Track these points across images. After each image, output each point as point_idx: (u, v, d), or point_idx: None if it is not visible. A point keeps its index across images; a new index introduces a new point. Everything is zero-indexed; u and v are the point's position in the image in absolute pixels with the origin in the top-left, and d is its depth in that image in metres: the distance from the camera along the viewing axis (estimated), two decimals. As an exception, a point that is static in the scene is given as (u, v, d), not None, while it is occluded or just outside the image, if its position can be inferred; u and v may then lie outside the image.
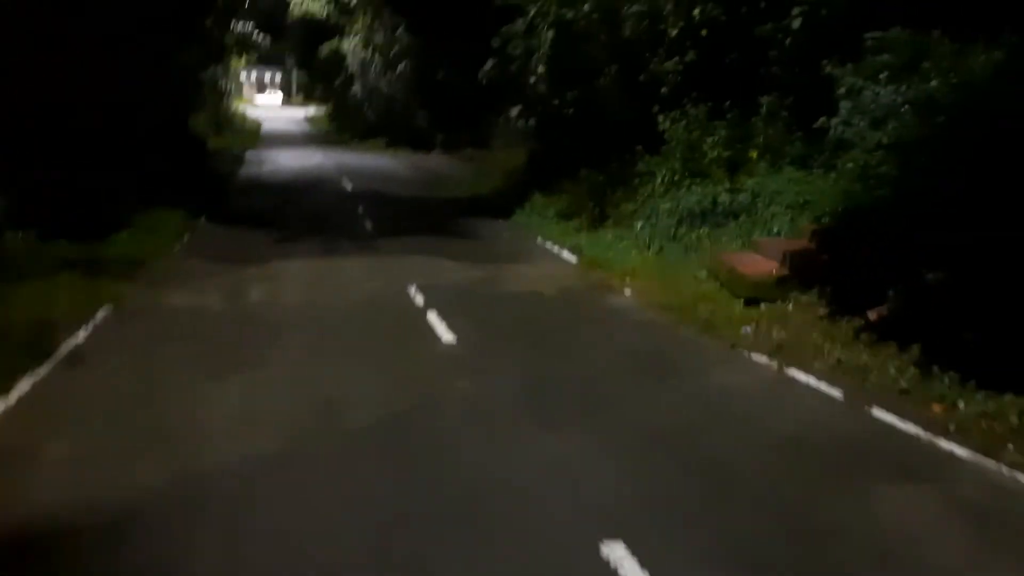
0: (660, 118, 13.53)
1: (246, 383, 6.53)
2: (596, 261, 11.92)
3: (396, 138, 35.40)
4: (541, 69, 14.04)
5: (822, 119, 12.28)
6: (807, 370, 7.01)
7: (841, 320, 7.93)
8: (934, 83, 10.97)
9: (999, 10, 10.76)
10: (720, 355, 7.65)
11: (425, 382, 6.74)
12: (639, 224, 12.96)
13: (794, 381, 6.85)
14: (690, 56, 13.18)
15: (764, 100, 12.87)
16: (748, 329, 8.23)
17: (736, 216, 11.52)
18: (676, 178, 13.10)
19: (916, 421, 5.88)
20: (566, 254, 12.93)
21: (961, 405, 6.03)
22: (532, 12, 13.77)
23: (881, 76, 11.80)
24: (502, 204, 17.50)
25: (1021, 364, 6.45)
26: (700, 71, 13.42)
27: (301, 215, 16.50)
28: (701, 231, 11.64)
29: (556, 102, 14.64)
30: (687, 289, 9.92)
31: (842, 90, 12.38)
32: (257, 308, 9.39)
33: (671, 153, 13.39)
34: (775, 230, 10.54)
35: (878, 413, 6.08)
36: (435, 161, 29.96)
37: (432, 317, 8.58)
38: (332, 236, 13.80)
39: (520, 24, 13.94)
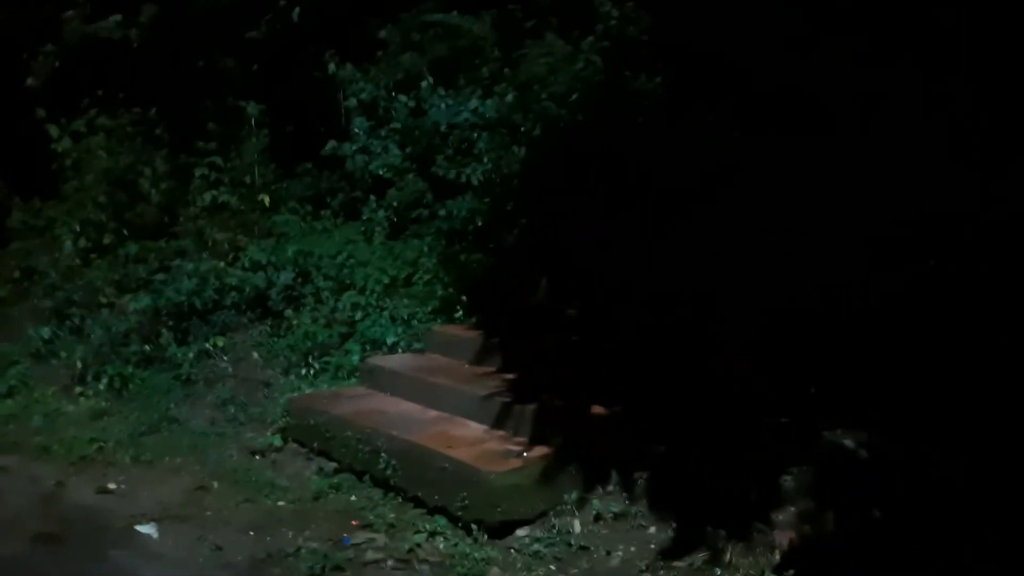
0: (54, 130, 7.33)
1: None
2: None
3: None
4: None
5: (331, 144, 8.01)
6: None
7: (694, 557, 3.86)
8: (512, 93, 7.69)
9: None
10: None
11: None
12: (33, 331, 6.72)
13: None
14: (148, 13, 7.26)
15: (248, 108, 7.82)
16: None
17: (274, 313, 6.35)
18: (106, 240, 7.15)
19: None
20: None
21: None
22: None
23: (423, 82, 8.04)
24: None
25: None
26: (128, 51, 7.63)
27: None
28: (213, 342, 6.15)
29: None
30: (276, 495, 4.63)
31: (352, 101, 8.30)
32: None
33: (86, 195, 7.31)
34: (388, 339, 5.77)
35: None
36: None
37: None
38: None
39: None
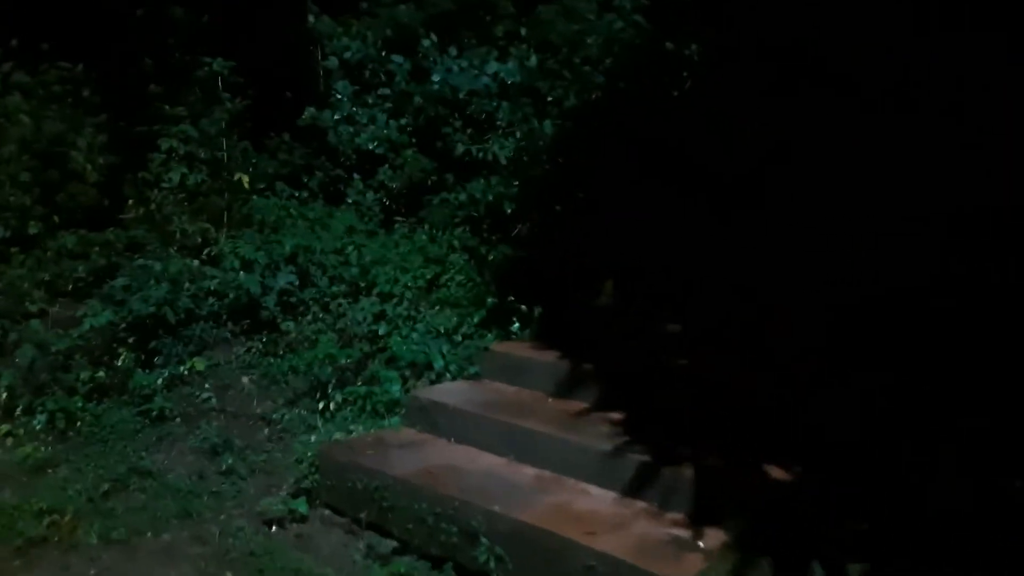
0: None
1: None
2: None
3: None
4: None
5: (309, 112, 6.74)
6: None
7: None
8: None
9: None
10: None
11: None
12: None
13: None
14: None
15: (215, 65, 6.30)
16: None
17: (266, 325, 4.95)
18: (32, 229, 5.57)
19: None
20: None
21: None
22: None
23: (426, 41, 6.77)
24: None
25: None
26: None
27: None
28: (190, 364, 4.72)
29: None
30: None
31: (332, 60, 7.02)
32: None
33: (3, 171, 5.69)
34: (435, 363, 4.47)
35: None
36: None
37: None
38: None
39: None
